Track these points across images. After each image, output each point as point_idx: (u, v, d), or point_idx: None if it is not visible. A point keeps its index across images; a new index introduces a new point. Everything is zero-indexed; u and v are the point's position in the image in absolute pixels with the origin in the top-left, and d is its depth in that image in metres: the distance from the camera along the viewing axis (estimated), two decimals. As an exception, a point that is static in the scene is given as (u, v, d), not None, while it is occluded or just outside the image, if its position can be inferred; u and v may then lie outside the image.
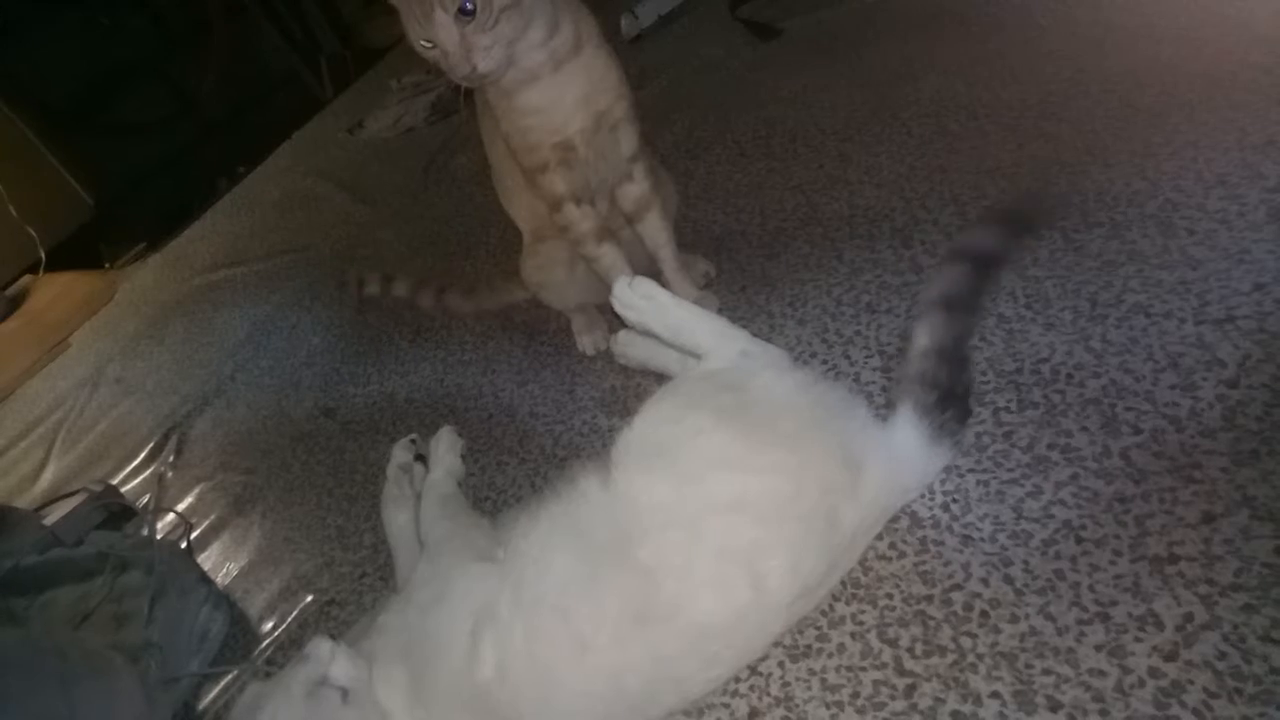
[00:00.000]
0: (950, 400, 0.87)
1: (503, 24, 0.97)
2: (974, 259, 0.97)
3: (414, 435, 1.32)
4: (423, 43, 0.99)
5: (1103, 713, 0.70)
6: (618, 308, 1.04)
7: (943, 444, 0.87)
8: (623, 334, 1.17)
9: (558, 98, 1.08)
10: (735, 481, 0.83)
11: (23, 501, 1.90)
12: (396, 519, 1.20)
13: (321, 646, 0.88)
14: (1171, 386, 0.90)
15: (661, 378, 1.11)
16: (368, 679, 0.87)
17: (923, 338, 0.90)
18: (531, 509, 0.92)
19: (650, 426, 0.90)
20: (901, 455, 0.87)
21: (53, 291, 3.34)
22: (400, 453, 1.29)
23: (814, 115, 1.72)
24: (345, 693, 0.85)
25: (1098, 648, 0.74)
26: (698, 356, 0.99)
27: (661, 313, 1.01)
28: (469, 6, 0.94)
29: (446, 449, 1.25)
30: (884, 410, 1.04)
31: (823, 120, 1.68)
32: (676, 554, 0.80)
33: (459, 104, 1.17)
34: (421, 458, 1.28)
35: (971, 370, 0.90)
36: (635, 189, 1.21)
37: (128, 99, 3.45)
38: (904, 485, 0.89)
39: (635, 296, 1.01)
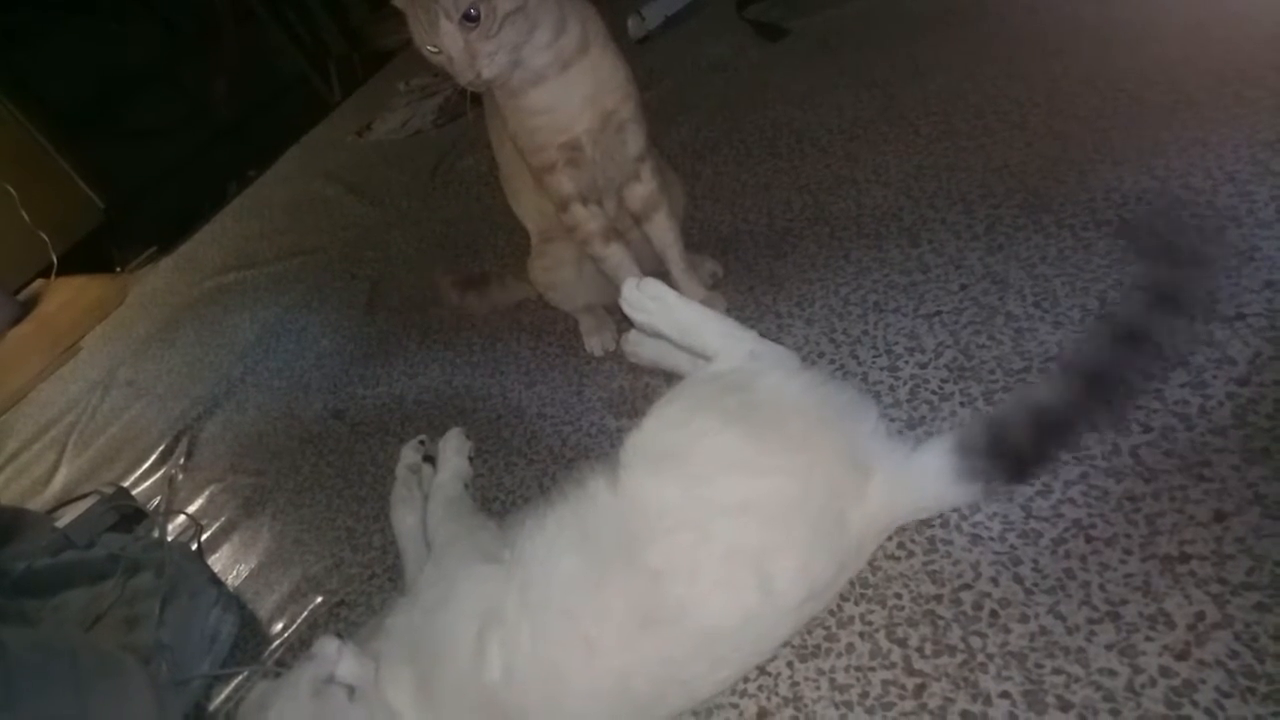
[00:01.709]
0: (1004, 458, 0.82)
1: (507, 30, 0.97)
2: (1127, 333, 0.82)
3: (423, 437, 1.32)
4: (429, 48, 1.00)
5: (1114, 712, 0.70)
6: (626, 309, 1.03)
7: (970, 485, 0.83)
8: (633, 333, 1.17)
9: (565, 98, 1.08)
10: (743, 483, 0.82)
11: (35, 504, 1.92)
12: (405, 520, 1.20)
13: (328, 646, 0.88)
14: (1181, 384, 0.90)
15: (671, 377, 1.11)
16: (375, 678, 0.87)
17: (1032, 392, 0.85)
18: (539, 511, 0.92)
19: (658, 429, 0.90)
20: (918, 475, 0.85)
21: (64, 295, 3.37)
22: (409, 454, 1.29)
23: (821, 115, 1.71)
24: (352, 691, 0.86)
25: (1108, 647, 0.74)
26: (706, 357, 0.99)
27: (670, 314, 1.00)
28: (473, 14, 0.94)
29: (454, 451, 1.25)
30: (893, 409, 1.05)
31: (830, 120, 1.68)
32: (684, 556, 0.80)
33: (466, 106, 1.18)
34: (431, 459, 1.28)
35: (1057, 445, 0.84)
36: (642, 189, 1.21)
37: (138, 104, 3.48)
38: (915, 502, 0.87)
39: (644, 298, 1.01)
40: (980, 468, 0.83)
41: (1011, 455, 0.82)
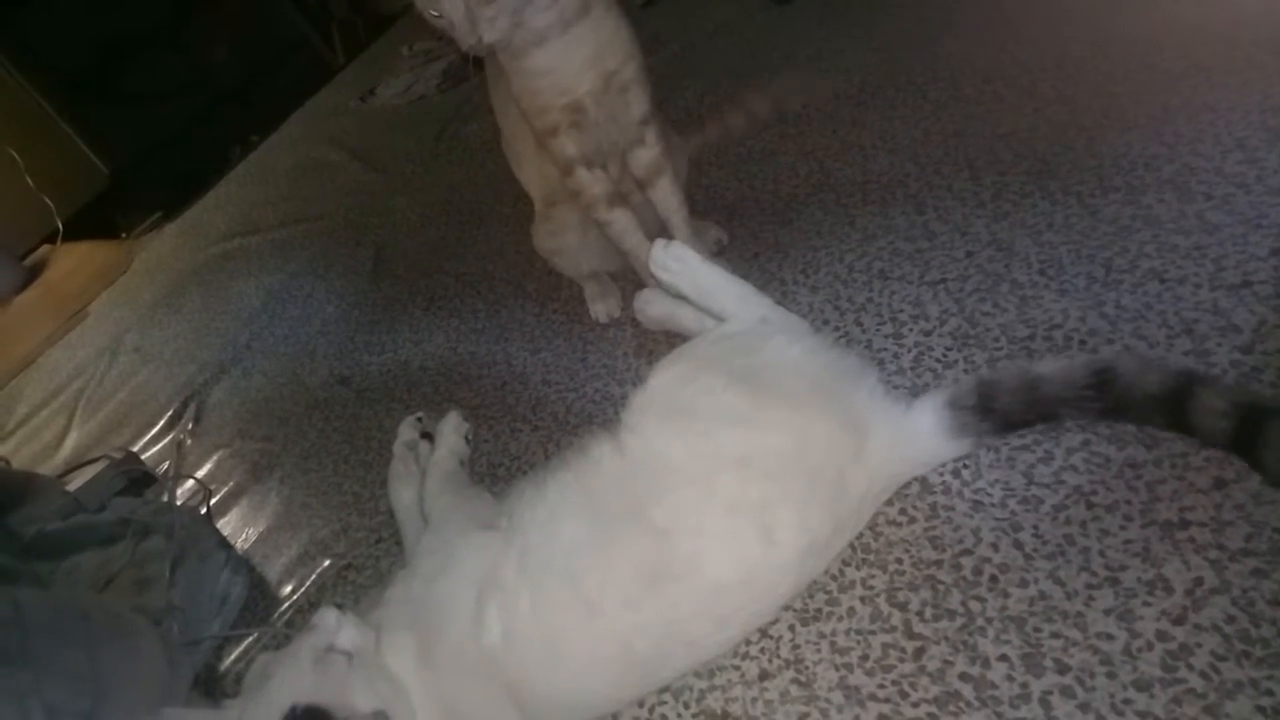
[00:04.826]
0: (992, 417, 0.85)
1: None
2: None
3: (420, 414, 1.33)
4: (430, 12, 0.99)
5: (1110, 675, 0.71)
6: (652, 267, 1.06)
7: (962, 439, 0.87)
8: (644, 292, 1.18)
9: (567, 59, 1.07)
10: (743, 438, 0.84)
11: (46, 469, 1.93)
12: (403, 496, 1.21)
13: (328, 616, 0.89)
14: (1185, 352, 0.90)
15: (676, 340, 1.11)
16: (375, 646, 0.88)
17: (1041, 366, 0.86)
18: (538, 479, 0.93)
19: (664, 385, 0.92)
20: (912, 431, 0.88)
21: (70, 261, 3.37)
22: (406, 430, 1.30)
23: (828, 80, 1.70)
24: (351, 659, 0.87)
25: (1106, 612, 0.75)
26: (721, 319, 1.01)
27: (692, 275, 1.04)
28: None
29: (452, 430, 1.26)
30: (896, 377, 1.05)
31: (837, 85, 1.66)
32: (689, 512, 0.82)
33: (470, 71, 1.17)
34: (428, 435, 1.29)
35: (1041, 416, 0.85)
36: (647, 153, 1.20)
37: (141, 68, 3.44)
38: (911, 458, 0.89)
39: (669, 258, 1.04)
40: (970, 423, 0.86)
41: (999, 414, 0.85)
